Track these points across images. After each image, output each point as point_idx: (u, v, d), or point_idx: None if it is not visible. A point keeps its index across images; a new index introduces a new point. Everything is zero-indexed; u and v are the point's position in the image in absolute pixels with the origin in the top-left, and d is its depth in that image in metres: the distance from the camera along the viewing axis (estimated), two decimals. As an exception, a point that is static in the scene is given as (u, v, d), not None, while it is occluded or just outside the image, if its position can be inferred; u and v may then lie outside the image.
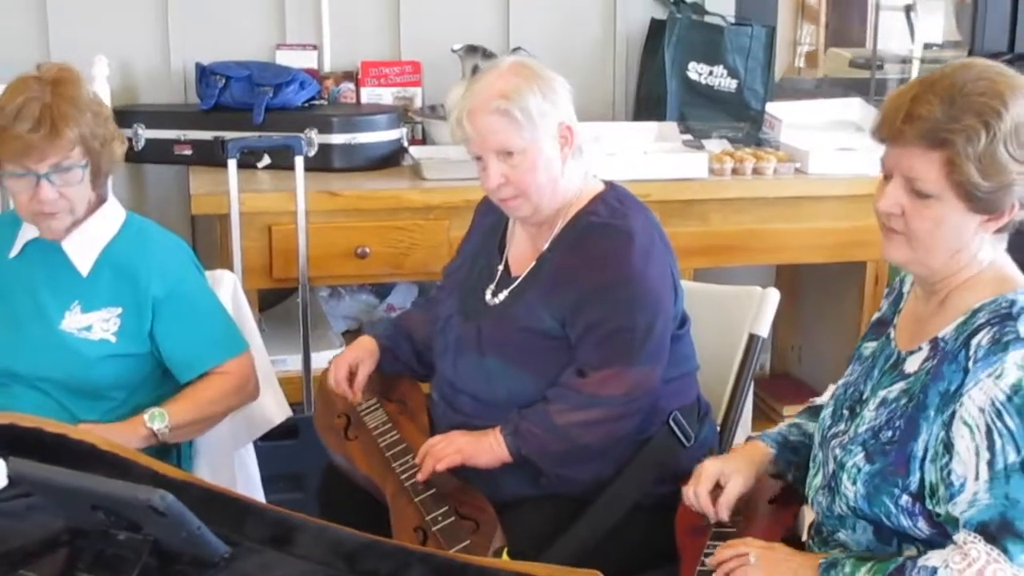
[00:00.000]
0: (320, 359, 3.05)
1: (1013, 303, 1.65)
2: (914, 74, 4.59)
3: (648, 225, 2.22)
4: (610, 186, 2.27)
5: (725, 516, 1.94)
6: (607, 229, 2.18)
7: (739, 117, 3.61)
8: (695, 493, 1.96)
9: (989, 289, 1.69)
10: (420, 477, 2.15)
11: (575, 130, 2.18)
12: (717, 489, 1.95)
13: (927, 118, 1.63)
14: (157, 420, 2.20)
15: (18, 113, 2.14)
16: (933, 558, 1.62)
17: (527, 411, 2.15)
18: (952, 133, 1.61)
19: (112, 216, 2.34)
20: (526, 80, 2.13)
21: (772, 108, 3.64)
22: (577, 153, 2.19)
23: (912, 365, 1.73)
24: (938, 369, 1.67)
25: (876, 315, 1.94)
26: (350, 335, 3.52)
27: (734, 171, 3.29)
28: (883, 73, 4.50)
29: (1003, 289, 1.68)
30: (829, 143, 3.44)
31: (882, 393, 1.75)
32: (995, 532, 1.58)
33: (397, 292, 3.63)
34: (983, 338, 1.63)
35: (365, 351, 2.41)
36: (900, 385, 1.73)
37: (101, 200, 2.33)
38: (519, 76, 2.13)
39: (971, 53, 4.09)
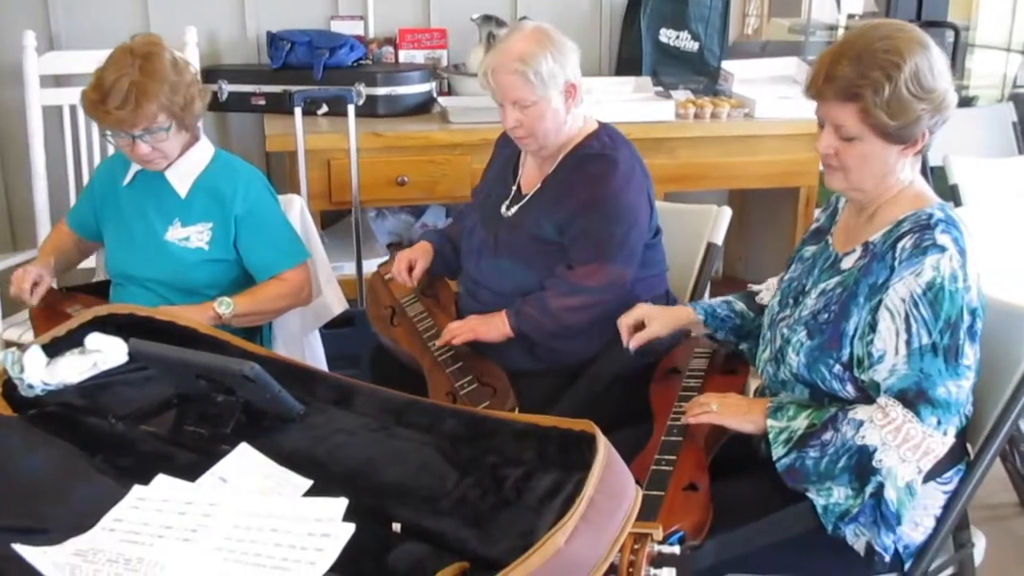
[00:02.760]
0: (369, 265, 3.04)
1: (931, 216, 1.63)
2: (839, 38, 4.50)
3: (631, 156, 2.19)
4: (603, 126, 2.23)
5: (633, 347, 2.00)
6: (598, 158, 2.15)
7: (700, 72, 3.54)
8: (620, 322, 2.02)
9: (910, 204, 1.67)
10: (438, 343, 2.19)
11: (579, 86, 2.13)
12: (641, 327, 2.00)
13: (841, 77, 1.60)
14: (224, 306, 2.19)
15: (111, 90, 2.08)
16: (860, 412, 1.62)
17: (528, 297, 2.15)
18: (862, 87, 1.59)
19: (204, 151, 2.31)
20: (541, 46, 2.08)
21: (727, 65, 3.56)
22: (578, 102, 2.15)
23: (847, 263, 1.72)
24: (868, 266, 1.66)
25: (814, 225, 1.92)
26: (392, 247, 3.50)
27: (696, 116, 3.24)
28: (815, 37, 4.40)
29: (921, 204, 1.67)
30: (772, 93, 3.38)
31: (821, 285, 1.74)
32: (912, 399, 1.58)
33: (429, 212, 3.59)
34: (906, 243, 1.61)
35: (421, 251, 2.40)
36: (837, 279, 1.72)
37: (195, 139, 2.30)
38: (537, 42, 2.08)
39: (886, 20, 3.99)
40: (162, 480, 1.34)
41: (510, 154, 2.34)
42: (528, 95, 2.07)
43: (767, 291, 2.02)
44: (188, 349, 1.56)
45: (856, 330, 1.65)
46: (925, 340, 1.57)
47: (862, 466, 1.60)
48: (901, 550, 1.69)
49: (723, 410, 1.75)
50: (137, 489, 1.33)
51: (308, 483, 1.34)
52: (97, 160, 3.17)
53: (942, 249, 1.58)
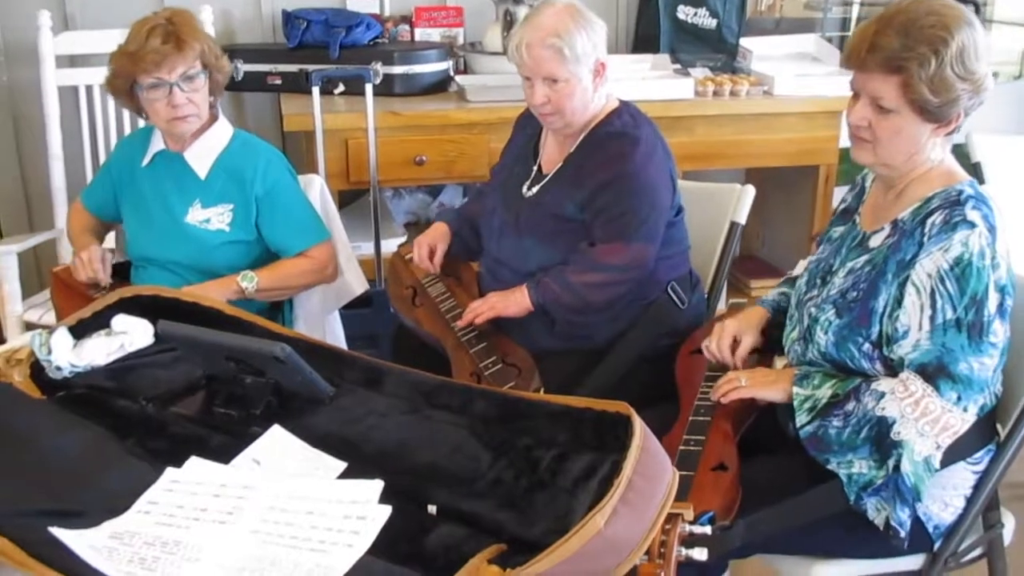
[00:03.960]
0: (387, 245, 3.03)
1: (960, 192, 1.62)
2: (854, 15, 4.47)
3: (653, 135, 2.17)
4: (624, 104, 2.21)
5: (740, 365, 1.93)
6: (620, 136, 2.13)
7: (718, 50, 3.49)
8: (719, 347, 1.94)
9: (939, 182, 1.66)
10: (460, 323, 2.17)
11: (607, 65, 2.11)
12: (734, 343, 1.94)
13: (886, 48, 1.58)
14: (247, 280, 2.20)
15: (149, 35, 2.11)
16: (882, 384, 1.62)
17: (549, 271, 2.14)
18: (907, 61, 1.56)
19: (223, 131, 2.30)
20: (576, 22, 2.06)
21: (744, 42, 3.53)
22: (604, 81, 2.13)
23: (875, 241, 1.71)
24: (897, 243, 1.65)
25: (842, 206, 1.91)
26: (410, 227, 3.49)
27: (715, 93, 3.21)
28: (832, 14, 4.35)
29: (951, 181, 1.65)
30: (790, 70, 3.34)
31: (849, 264, 1.73)
32: (932, 373, 1.58)
33: (446, 192, 3.57)
34: (936, 218, 1.60)
35: (440, 234, 2.38)
36: (865, 257, 1.71)
37: (214, 119, 2.29)
38: (571, 18, 2.06)
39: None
40: (195, 462, 1.34)
41: (531, 134, 2.32)
42: (561, 71, 2.05)
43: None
44: (218, 331, 1.55)
45: (885, 307, 1.64)
46: (949, 315, 1.57)
47: (882, 438, 1.60)
48: (931, 530, 1.69)
49: (752, 381, 1.76)
50: (170, 472, 1.33)
51: (342, 465, 1.33)
52: (114, 141, 3.16)
53: (972, 225, 1.57)
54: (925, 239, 1.60)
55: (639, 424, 1.26)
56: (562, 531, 1.18)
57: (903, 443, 1.58)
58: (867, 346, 1.66)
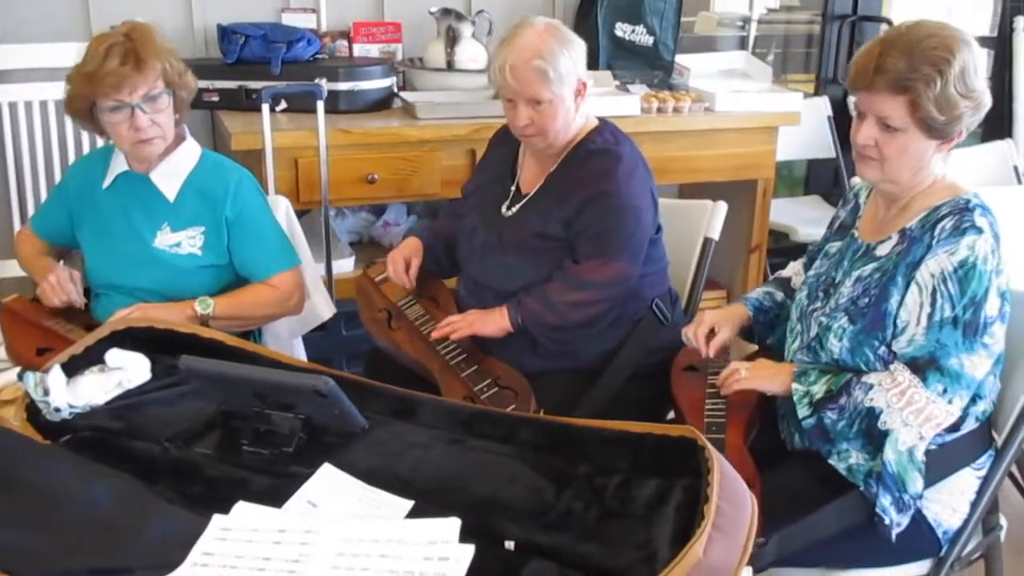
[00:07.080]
0: (336, 266, 2.93)
1: (968, 201, 1.69)
2: (752, 32, 4.59)
3: (633, 152, 2.18)
4: (603, 122, 2.21)
5: (713, 354, 1.99)
6: (602, 153, 2.12)
7: (655, 67, 3.53)
8: (695, 334, 2.00)
9: (944, 194, 1.72)
10: (434, 335, 2.14)
11: (587, 84, 2.10)
12: (711, 334, 1.99)
13: (893, 70, 1.62)
14: (201, 305, 2.08)
15: (107, 55, 1.98)
16: (871, 377, 1.68)
17: (530, 290, 2.12)
18: (914, 81, 1.61)
19: (191, 151, 2.18)
20: (559, 42, 2.03)
21: (679, 59, 3.58)
22: (585, 100, 2.12)
23: (883, 250, 1.75)
24: (908, 249, 1.70)
25: (836, 221, 1.94)
26: (355, 246, 3.40)
27: (659, 110, 3.24)
28: (730, 32, 4.45)
29: (956, 193, 1.71)
30: (724, 87, 3.41)
31: (856, 273, 1.77)
32: (922, 365, 1.64)
33: (390, 211, 3.49)
34: (946, 223, 1.66)
35: (414, 248, 2.32)
36: (873, 265, 1.75)
37: (181, 138, 2.17)
38: (554, 38, 2.03)
39: (824, 16, 4.08)
40: (244, 507, 1.26)
41: (506, 153, 2.28)
42: (545, 92, 2.02)
43: (796, 275, 2.04)
44: (246, 365, 1.47)
45: (897, 309, 1.68)
46: (947, 313, 1.62)
47: (871, 428, 1.66)
48: (940, 536, 1.73)
49: (752, 373, 1.80)
50: (218, 519, 1.24)
51: (409, 504, 1.27)
52: (41, 160, 2.98)
53: (979, 231, 1.63)
54: (934, 242, 1.65)
55: (713, 449, 1.25)
56: (649, 560, 1.15)
57: (888, 432, 1.64)
58: (883, 349, 1.70)
